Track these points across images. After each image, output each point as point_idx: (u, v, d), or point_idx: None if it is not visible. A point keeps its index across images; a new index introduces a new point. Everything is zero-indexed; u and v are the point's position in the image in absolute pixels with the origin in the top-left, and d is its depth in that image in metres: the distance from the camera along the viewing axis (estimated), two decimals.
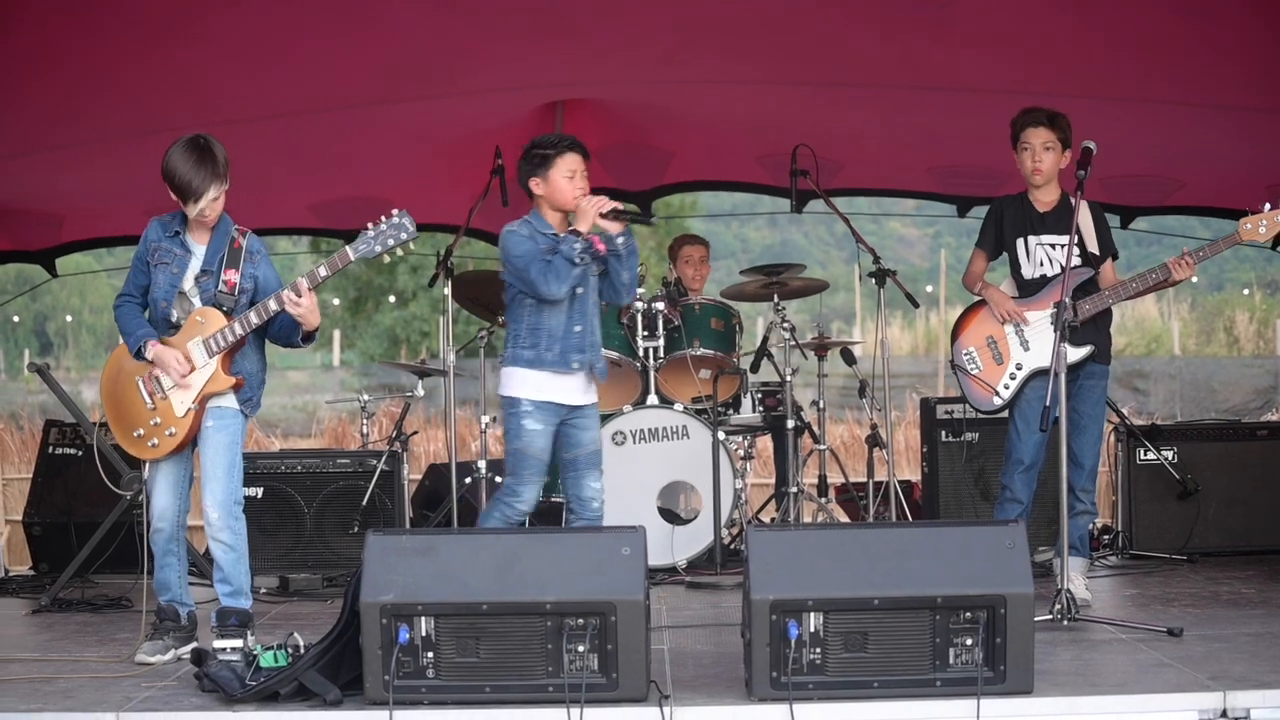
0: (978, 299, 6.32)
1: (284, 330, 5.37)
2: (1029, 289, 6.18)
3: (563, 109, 8.60)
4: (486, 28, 7.24)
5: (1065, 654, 5.07)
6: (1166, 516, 7.79)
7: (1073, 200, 5.78)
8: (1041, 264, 6.15)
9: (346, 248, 5.26)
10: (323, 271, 5.24)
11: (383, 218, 5.25)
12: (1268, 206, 5.88)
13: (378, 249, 5.24)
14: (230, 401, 5.38)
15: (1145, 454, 7.83)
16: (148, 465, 5.38)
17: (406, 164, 8.99)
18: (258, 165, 8.41)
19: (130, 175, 7.28)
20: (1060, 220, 6.13)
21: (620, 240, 5.55)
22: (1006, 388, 6.15)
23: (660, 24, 7.34)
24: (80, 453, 7.88)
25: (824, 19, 7.24)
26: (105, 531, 6.93)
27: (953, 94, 7.85)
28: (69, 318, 30.25)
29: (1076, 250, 6.09)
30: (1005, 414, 6.22)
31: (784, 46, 7.57)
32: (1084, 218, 6.15)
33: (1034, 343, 6.12)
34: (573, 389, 5.60)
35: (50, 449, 8.00)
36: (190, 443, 5.37)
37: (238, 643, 5.12)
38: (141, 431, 5.34)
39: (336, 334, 26.66)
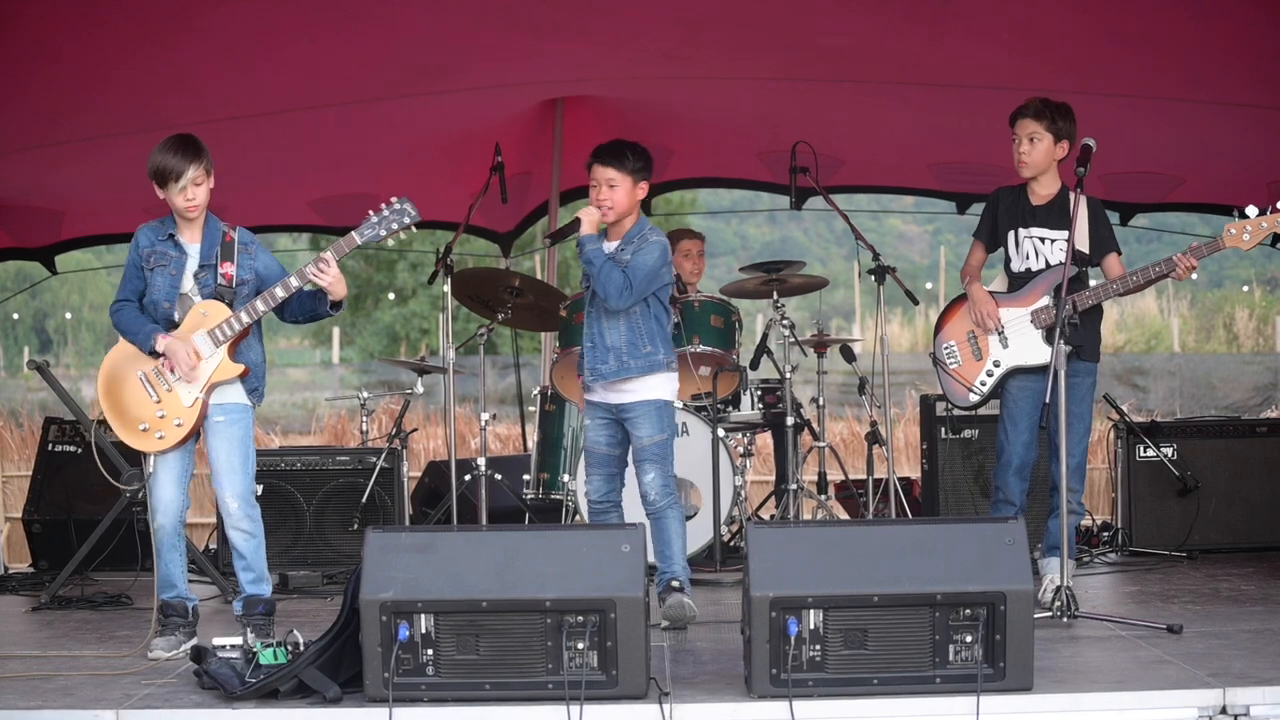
0: (963, 293, 6.27)
1: (305, 306, 5.51)
2: (1015, 283, 6.11)
3: (562, 106, 8.61)
4: (486, 24, 7.24)
5: (1065, 651, 5.07)
6: (1166, 513, 7.78)
7: (1071, 196, 5.73)
8: (1029, 257, 6.05)
9: (352, 232, 5.45)
10: (331, 255, 5.39)
11: (383, 205, 5.47)
12: (1254, 211, 5.71)
13: (382, 233, 5.47)
14: (238, 394, 5.45)
15: (1145, 451, 7.83)
16: (152, 459, 5.39)
17: (406, 160, 8.99)
18: (258, 162, 8.42)
19: (131, 172, 7.24)
20: (1054, 214, 6.03)
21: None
22: (983, 384, 6.11)
23: (660, 21, 7.35)
24: (80, 450, 7.87)
25: (824, 15, 7.24)
26: (105, 529, 6.92)
27: (953, 91, 7.85)
28: (69, 315, 30.25)
29: (1064, 247, 6.05)
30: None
31: (784, 43, 7.57)
32: (1080, 214, 6.08)
33: (1013, 340, 6.05)
34: None
35: (50, 446, 8.00)
36: (195, 434, 5.41)
37: (250, 640, 5.14)
38: (146, 425, 5.36)
39: (336, 331, 26.70)
